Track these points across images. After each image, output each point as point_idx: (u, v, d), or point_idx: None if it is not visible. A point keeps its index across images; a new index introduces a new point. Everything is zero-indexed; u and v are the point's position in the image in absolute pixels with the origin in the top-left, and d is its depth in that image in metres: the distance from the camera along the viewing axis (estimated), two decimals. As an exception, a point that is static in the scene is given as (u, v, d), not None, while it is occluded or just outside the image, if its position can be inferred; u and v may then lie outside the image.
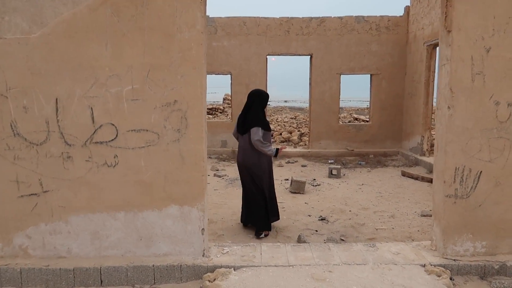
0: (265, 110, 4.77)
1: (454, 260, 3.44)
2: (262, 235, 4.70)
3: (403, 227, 5.12)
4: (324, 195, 6.67)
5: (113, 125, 3.34)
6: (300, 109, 31.88)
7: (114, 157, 3.38)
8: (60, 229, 3.43)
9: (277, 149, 4.76)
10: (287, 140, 13.13)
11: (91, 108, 3.30)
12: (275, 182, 5.02)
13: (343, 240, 4.64)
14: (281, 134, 13.68)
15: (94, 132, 3.34)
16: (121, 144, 3.37)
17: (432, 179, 7.73)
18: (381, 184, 7.49)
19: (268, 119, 16.22)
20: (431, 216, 5.60)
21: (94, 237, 3.47)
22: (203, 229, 3.50)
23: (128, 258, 3.47)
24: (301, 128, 14.43)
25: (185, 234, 3.50)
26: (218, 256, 3.58)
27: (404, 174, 8.24)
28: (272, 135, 14.23)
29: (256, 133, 4.51)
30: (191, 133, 3.37)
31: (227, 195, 6.66)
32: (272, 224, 4.91)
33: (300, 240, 4.51)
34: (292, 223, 5.24)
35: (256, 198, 4.69)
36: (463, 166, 3.41)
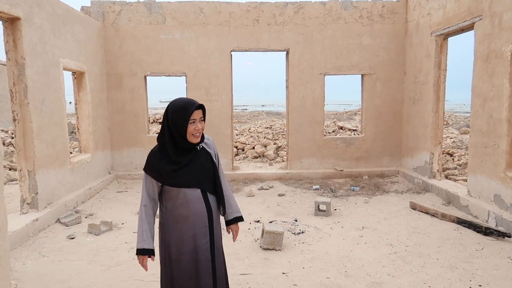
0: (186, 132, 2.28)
1: None
2: None
3: (451, 332, 2.94)
4: (312, 254, 4.44)
5: None
6: (278, 114, 29.88)
7: None
8: None
9: (144, 250, 2.34)
10: (261, 156, 10.90)
11: None
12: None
13: None
14: (254, 148, 11.43)
15: None
16: None
17: (459, 218, 5.11)
18: (389, 227, 5.32)
19: (236, 130, 13.47)
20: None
21: None
22: None
23: None
24: (277, 140, 12.23)
25: None
26: None
27: (414, 207, 6.13)
28: (243, 150, 12.03)
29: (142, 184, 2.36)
30: None
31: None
32: None
33: None
34: (260, 331, 2.98)
35: None
36: None
